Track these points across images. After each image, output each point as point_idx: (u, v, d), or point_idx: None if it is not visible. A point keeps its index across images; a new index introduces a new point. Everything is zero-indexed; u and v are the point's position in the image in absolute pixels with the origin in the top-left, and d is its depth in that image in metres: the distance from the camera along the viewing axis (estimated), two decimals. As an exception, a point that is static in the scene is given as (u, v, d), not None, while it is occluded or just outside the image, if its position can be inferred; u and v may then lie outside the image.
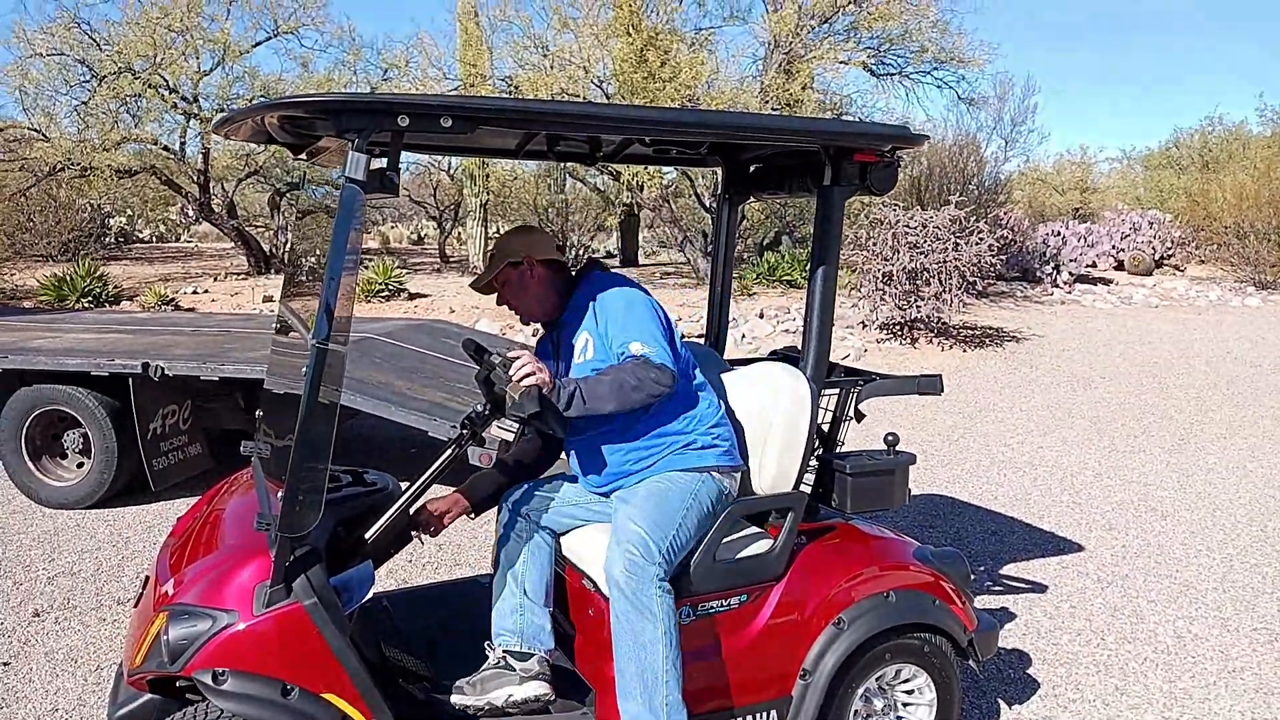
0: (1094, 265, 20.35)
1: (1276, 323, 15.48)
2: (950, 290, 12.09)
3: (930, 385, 3.16)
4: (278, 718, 2.20)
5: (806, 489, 2.91)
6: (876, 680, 2.80)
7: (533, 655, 2.63)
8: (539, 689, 2.54)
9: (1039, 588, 4.43)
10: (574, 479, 2.89)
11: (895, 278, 12.13)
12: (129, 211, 22.20)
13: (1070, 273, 19.18)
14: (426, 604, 3.28)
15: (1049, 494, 5.96)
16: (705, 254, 15.61)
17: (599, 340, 2.67)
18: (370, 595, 3.20)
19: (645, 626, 2.38)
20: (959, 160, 19.13)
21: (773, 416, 2.79)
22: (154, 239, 23.87)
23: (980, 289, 15.03)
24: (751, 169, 3.31)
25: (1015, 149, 24.71)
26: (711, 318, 3.53)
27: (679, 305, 12.89)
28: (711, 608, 2.61)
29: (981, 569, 4.65)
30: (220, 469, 5.84)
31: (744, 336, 11.99)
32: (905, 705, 2.87)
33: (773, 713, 2.66)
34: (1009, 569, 4.67)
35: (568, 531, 2.80)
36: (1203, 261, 21.79)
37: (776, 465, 2.77)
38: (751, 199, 3.50)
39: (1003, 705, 3.35)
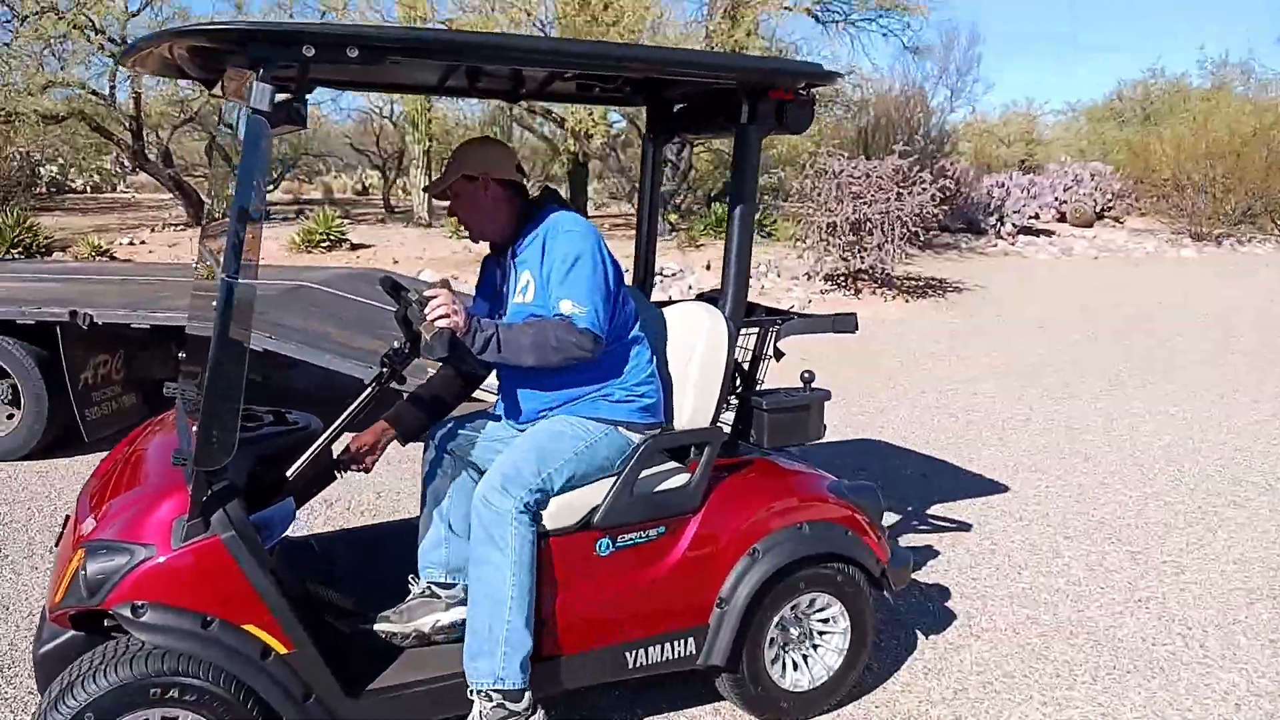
0: (1036, 217, 20.66)
1: (1209, 273, 15.91)
2: (893, 241, 12.23)
3: (845, 324, 3.22)
4: (199, 648, 2.22)
5: (727, 426, 2.99)
6: (792, 609, 2.89)
7: (457, 585, 2.69)
8: (464, 614, 2.60)
9: (964, 526, 4.58)
10: (498, 417, 2.92)
11: (839, 228, 12.23)
12: (60, 160, 21.47)
13: (1013, 224, 19.48)
14: (358, 545, 3.32)
15: (979, 438, 6.13)
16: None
17: (540, 285, 2.63)
18: (302, 535, 3.23)
19: (493, 554, 2.44)
20: (905, 110, 19.21)
21: (692, 354, 2.84)
22: (88, 189, 23.13)
23: (924, 240, 15.22)
24: (676, 109, 3.29)
25: (961, 99, 24.86)
26: (639, 260, 3.54)
27: (624, 256, 12.84)
28: (630, 539, 2.67)
29: (909, 509, 4.78)
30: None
31: (690, 288, 12.03)
32: (821, 634, 2.97)
33: (690, 640, 2.74)
34: (936, 509, 4.81)
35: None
36: (1142, 214, 22.25)
37: (694, 401, 2.83)
38: (676, 139, 3.51)
39: (920, 635, 3.48)
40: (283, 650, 2.31)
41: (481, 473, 2.79)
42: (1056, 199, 21.65)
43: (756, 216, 16.55)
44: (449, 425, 2.94)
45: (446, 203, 2.84)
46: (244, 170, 2.17)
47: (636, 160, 16.48)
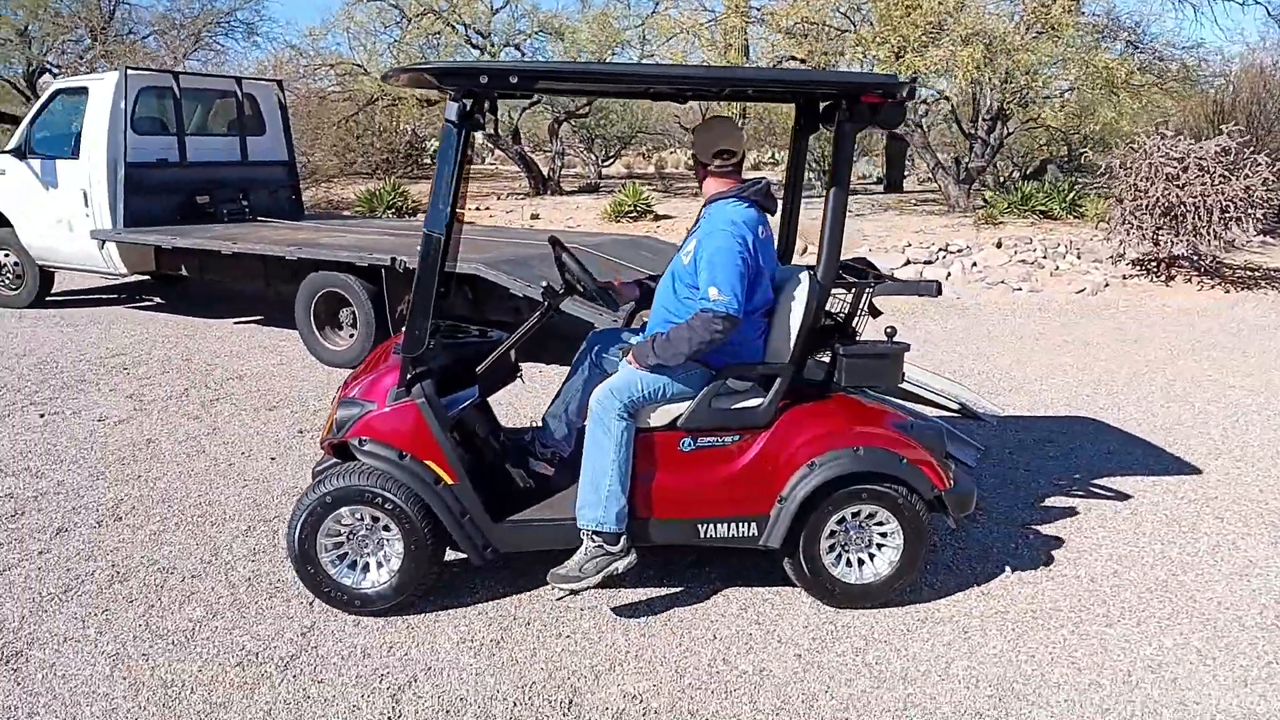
0: None
1: None
2: (1210, 226, 11.30)
3: (928, 288, 3.70)
4: (394, 471, 3.33)
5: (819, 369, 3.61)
6: (854, 516, 3.49)
7: (550, 448, 3.74)
8: (544, 468, 3.67)
9: (1120, 496, 4.72)
10: (638, 332, 3.79)
11: (1148, 211, 11.51)
12: (443, 136, 25.08)
13: None
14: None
15: (1200, 427, 5.94)
16: (958, 181, 15.40)
17: (694, 258, 3.36)
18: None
19: (602, 438, 3.31)
20: (1273, 84, 17.13)
21: (777, 305, 3.52)
22: (463, 161, 26.83)
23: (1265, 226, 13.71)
24: (822, 107, 3.83)
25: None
26: (782, 233, 4.15)
27: (914, 232, 13.04)
28: (708, 442, 3.43)
29: (1076, 476, 4.97)
30: (452, 346, 7.26)
31: (974, 264, 11.97)
32: (878, 542, 3.54)
33: (754, 524, 3.45)
34: (1105, 480, 4.94)
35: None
36: None
37: (774, 344, 3.50)
38: (819, 130, 4.08)
39: (996, 568, 3.86)
40: (450, 481, 3.36)
41: (606, 374, 3.70)
42: None
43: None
44: (603, 334, 3.90)
45: None
46: (440, 158, 3.26)
47: (945, 142, 16.35)
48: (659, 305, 3.62)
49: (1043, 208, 14.42)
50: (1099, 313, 10.26)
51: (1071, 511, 4.52)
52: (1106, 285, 11.67)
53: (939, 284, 3.73)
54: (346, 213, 14.32)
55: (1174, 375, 7.33)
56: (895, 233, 13.09)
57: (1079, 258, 12.56)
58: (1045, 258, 12.27)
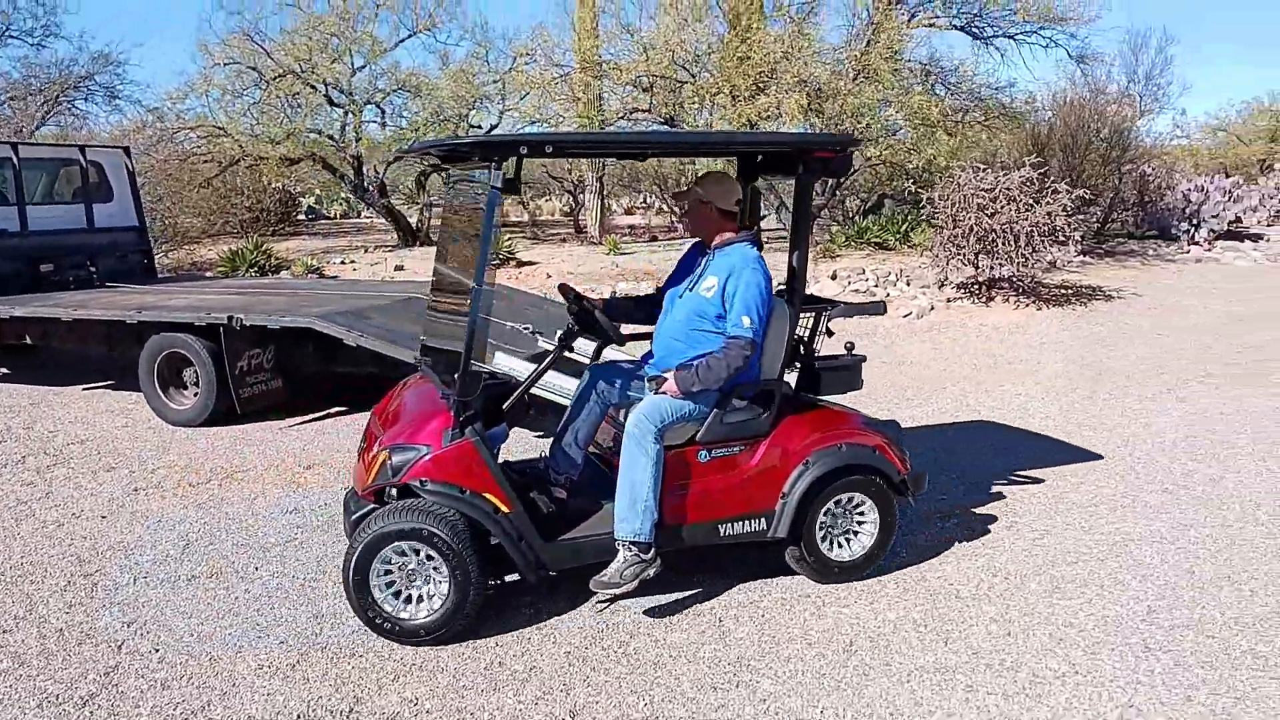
0: (1238, 221, 19.38)
1: None
2: (1018, 250, 12.37)
3: (875, 308, 4.60)
4: (456, 505, 3.67)
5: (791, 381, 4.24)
6: (838, 504, 4.10)
7: (563, 474, 4.11)
8: (559, 493, 4.07)
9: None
10: (640, 365, 4.25)
11: (965, 239, 12.53)
12: (316, 191, 25.11)
13: (1211, 229, 18.48)
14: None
15: (978, 430, 6.67)
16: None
17: (720, 292, 3.84)
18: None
19: (640, 459, 3.75)
20: (1085, 118, 18.77)
21: (767, 331, 4.01)
22: (337, 216, 26.84)
23: (1107, 248, 14.95)
24: (758, 159, 4.40)
25: (1154, 102, 23.62)
26: None
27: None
28: (721, 452, 3.96)
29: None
30: (295, 400, 7.50)
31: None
32: (859, 522, 4.18)
33: (763, 519, 4.01)
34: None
35: (622, 405, 4.12)
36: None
37: (767, 361, 4.02)
38: (759, 180, 4.55)
39: (768, 564, 4.39)
40: (505, 510, 3.72)
41: (608, 404, 4.16)
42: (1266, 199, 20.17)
43: (880, 226, 16.65)
44: (600, 368, 4.31)
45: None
46: (485, 223, 3.62)
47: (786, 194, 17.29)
48: (668, 339, 4.09)
49: (878, 239, 15.46)
50: (921, 334, 11.12)
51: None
52: (932, 309, 12.59)
53: (884, 303, 4.43)
54: (209, 273, 14.29)
55: (970, 387, 8.12)
56: (742, 269, 13.81)
57: (909, 284, 13.52)
58: (877, 286, 13.18)
